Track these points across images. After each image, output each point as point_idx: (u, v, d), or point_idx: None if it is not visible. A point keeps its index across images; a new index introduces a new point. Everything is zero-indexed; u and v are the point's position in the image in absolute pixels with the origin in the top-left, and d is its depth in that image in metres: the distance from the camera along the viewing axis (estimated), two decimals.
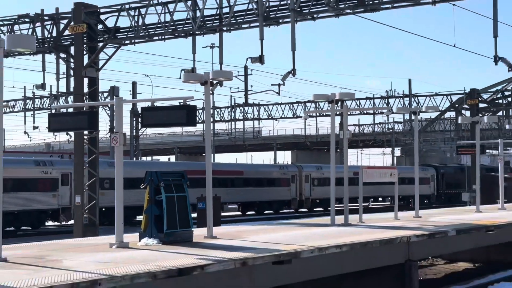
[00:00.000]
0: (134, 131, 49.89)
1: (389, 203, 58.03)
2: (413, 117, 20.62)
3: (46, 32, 27.12)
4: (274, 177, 47.70)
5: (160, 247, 12.27)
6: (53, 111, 14.29)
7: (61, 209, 33.30)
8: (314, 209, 50.77)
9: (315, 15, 22.65)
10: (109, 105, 35.04)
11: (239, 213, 47.85)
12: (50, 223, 36.94)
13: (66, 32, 26.45)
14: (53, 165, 33.74)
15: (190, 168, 36.96)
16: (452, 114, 54.70)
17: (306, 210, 50.53)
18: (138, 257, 10.86)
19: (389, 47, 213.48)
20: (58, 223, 36.08)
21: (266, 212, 47.52)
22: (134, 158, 49.51)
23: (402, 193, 51.66)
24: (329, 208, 53.65)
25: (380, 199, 59.30)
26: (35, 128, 46.91)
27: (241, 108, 60.80)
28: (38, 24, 27.01)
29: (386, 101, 55.93)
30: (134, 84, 49.78)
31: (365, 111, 58.48)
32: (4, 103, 49.01)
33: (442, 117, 57.34)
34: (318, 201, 50.95)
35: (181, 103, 12.71)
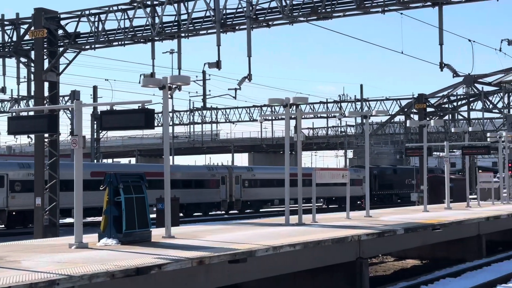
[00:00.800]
0: (95, 134, 49.98)
1: (321, 204, 57.39)
2: (364, 120, 21.32)
3: (6, 37, 27.25)
4: (202, 179, 46.53)
5: (119, 247, 12.46)
6: (14, 114, 14.53)
7: None
8: (246, 211, 50.05)
9: (270, 22, 23.26)
10: (69, 108, 35.15)
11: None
12: None
13: (27, 37, 26.56)
14: None
15: (107, 169, 36.31)
16: (401, 118, 56.06)
17: (236, 212, 49.63)
18: (96, 257, 11.01)
19: (341, 53, 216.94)
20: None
21: (195, 214, 46.40)
22: (95, 161, 49.58)
23: (339, 194, 51.54)
24: (260, 210, 53.37)
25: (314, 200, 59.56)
26: None
27: (199, 112, 61.41)
28: None
29: (339, 105, 57.14)
30: (95, 88, 49.91)
31: (318, 115, 59.58)
32: None
33: (392, 120, 58.66)
34: (249, 203, 50.26)
35: (140, 107, 13.05)
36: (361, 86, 56.47)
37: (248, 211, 50.38)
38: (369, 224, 18.30)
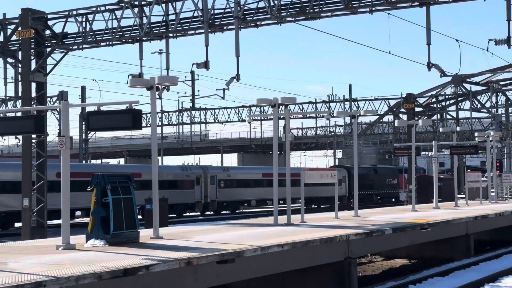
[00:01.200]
0: (84, 134, 49.85)
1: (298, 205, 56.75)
2: (353, 120, 21.35)
3: None
4: (176, 179, 45.33)
5: (107, 248, 12.44)
6: (1, 115, 14.45)
7: None
8: (222, 212, 48.95)
9: (258, 23, 23.26)
10: (57, 109, 34.96)
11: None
12: None
13: (14, 37, 26.43)
14: None
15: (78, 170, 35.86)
16: (390, 117, 56.33)
17: (212, 213, 48.39)
18: (84, 258, 10.99)
19: (330, 53, 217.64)
20: None
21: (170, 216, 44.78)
22: (84, 161, 49.43)
23: (318, 194, 50.40)
24: (237, 211, 52.07)
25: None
26: None
27: (188, 112, 61.45)
28: None
29: (328, 105, 57.35)
30: (83, 88, 49.79)
31: (307, 115, 59.61)
32: None
33: (381, 120, 58.91)
34: (225, 204, 49.09)
35: (127, 107, 13.01)
36: (350, 86, 56.72)
37: (224, 212, 49.42)
38: (358, 224, 18.35)
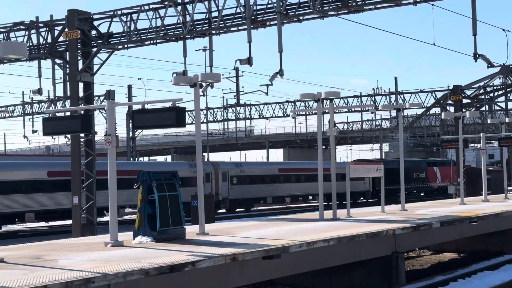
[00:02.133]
0: (131, 132, 50.49)
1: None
2: (398, 113, 21.13)
3: (41, 39, 27.62)
4: (183, 176, 42.95)
5: (153, 244, 12.59)
6: (49, 115, 14.75)
7: None
8: (236, 210, 46.24)
9: (300, 17, 23.19)
10: (104, 108, 35.47)
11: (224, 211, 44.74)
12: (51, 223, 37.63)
13: (61, 39, 26.91)
14: None
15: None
16: (437, 110, 55.46)
17: (224, 211, 45.67)
18: (131, 255, 11.14)
19: (374, 47, 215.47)
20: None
21: None
22: (131, 159, 50.04)
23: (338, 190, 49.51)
24: (252, 209, 49.73)
25: (310, 197, 54.51)
26: (34, 131, 47.35)
27: (233, 108, 61.56)
28: (34, 31, 27.47)
29: (373, 98, 56.75)
30: (129, 87, 50.42)
31: (352, 109, 59.16)
32: (4, 108, 49.23)
33: (428, 113, 58.05)
34: (238, 201, 46.18)
35: (171, 105, 13.14)
36: (395, 79, 56.01)
37: (238, 210, 46.93)
38: (404, 218, 18.18)
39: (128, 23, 25.67)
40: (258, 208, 51.45)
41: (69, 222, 31.94)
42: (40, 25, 27.54)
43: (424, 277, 16.55)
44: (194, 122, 55.22)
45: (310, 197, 54.33)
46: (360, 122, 67.75)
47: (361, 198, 53.89)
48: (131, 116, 46.17)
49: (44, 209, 34.06)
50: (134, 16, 25.55)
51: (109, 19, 26.23)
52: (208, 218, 17.53)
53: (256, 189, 47.30)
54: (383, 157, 71.40)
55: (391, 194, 57.56)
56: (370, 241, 14.64)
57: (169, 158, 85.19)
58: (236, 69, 33.24)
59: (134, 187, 13.52)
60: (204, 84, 14.97)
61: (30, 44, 27.43)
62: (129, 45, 26.33)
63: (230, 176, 45.51)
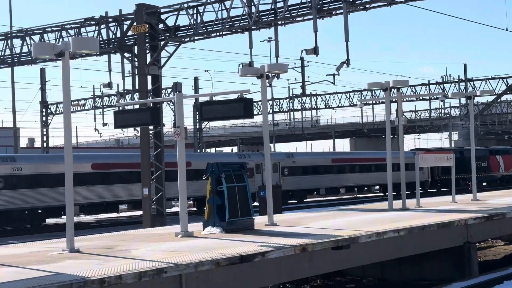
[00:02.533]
0: (197, 124, 51.02)
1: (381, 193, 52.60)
2: (468, 101, 20.65)
3: (110, 34, 28.18)
4: None
5: (223, 235, 12.72)
6: (119, 108, 15.05)
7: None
8: (288, 202, 44.69)
9: (367, 5, 22.86)
10: (172, 100, 35.98)
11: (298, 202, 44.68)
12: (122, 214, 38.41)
13: (130, 33, 27.40)
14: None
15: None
16: (509, 96, 53.96)
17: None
18: (201, 245, 11.27)
19: (441, 33, 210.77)
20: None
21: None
22: (198, 150, 50.58)
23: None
24: (304, 200, 47.46)
25: (366, 188, 54.44)
26: (104, 124, 48.36)
27: (299, 98, 61.47)
28: (103, 26, 28.06)
29: (442, 86, 55.61)
30: (196, 79, 50.92)
31: (420, 97, 58.03)
32: (75, 102, 50.49)
33: (499, 100, 56.51)
34: (290, 193, 44.84)
35: (238, 97, 13.20)
36: (465, 66, 54.78)
37: (290, 202, 45.69)
38: (476, 208, 17.80)
39: (195, 15, 25.90)
40: (311, 199, 50.91)
41: (139, 213, 32.73)
42: (110, 20, 28.09)
43: (498, 268, 16.14)
44: (260, 113, 55.51)
45: (366, 188, 53.89)
46: (428, 111, 66.62)
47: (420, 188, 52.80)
48: (197, 108, 47.17)
49: (88, 202, 34.06)
50: (200, 9, 25.76)
51: (176, 12, 26.53)
52: (276, 209, 17.57)
53: (308, 180, 46.42)
54: (453, 146, 69.99)
55: (449, 184, 55.75)
56: (441, 232, 14.41)
57: (235, 149, 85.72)
58: (302, 59, 33.07)
59: (203, 178, 13.66)
60: (270, 75, 14.98)
61: (100, 39, 28.01)
62: (195, 38, 26.57)
63: (282, 167, 44.66)
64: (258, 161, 43.12)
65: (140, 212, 31.52)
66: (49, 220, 33.95)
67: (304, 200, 47.43)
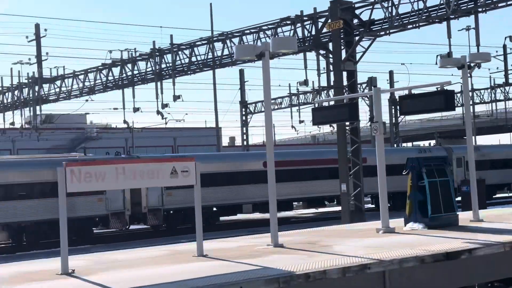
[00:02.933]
0: (394, 118, 50.33)
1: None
2: None
3: (306, 32, 28.65)
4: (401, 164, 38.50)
5: (426, 231, 12.47)
6: (316, 105, 15.26)
7: None
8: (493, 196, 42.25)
9: None
10: (367, 95, 35.86)
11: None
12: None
13: (324, 30, 27.68)
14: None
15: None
16: None
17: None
18: (404, 241, 11.13)
19: None
20: None
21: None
22: (395, 145, 49.91)
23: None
24: (493, 196, 43.30)
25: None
26: (300, 122, 49.22)
27: (501, 88, 58.28)
28: (299, 25, 28.60)
29: None
30: (390, 73, 50.26)
31: None
32: (273, 101, 51.87)
33: None
34: None
35: (438, 89, 12.87)
36: None
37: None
38: None
39: (390, 8, 25.55)
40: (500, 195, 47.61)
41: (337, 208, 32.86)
42: (305, 18, 28.57)
43: None
44: (459, 105, 53.54)
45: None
46: None
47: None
48: (393, 102, 46.46)
49: (260, 201, 33.03)
50: (396, 1, 25.38)
51: (370, 7, 26.37)
52: (480, 204, 16.82)
53: (498, 174, 43.76)
54: None
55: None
56: None
57: (433, 142, 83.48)
58: (504, 46, 31.46)
59: (403, 173, 13.47)
60: (472, 65, 14.42)
61: (296, 37, 28.57)
62: (391, 31, 26.22)
63: (467, 162, 40.91)
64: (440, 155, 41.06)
65: (322, 209, 31.35)
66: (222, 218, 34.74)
67: (493, 196, 44.60)
